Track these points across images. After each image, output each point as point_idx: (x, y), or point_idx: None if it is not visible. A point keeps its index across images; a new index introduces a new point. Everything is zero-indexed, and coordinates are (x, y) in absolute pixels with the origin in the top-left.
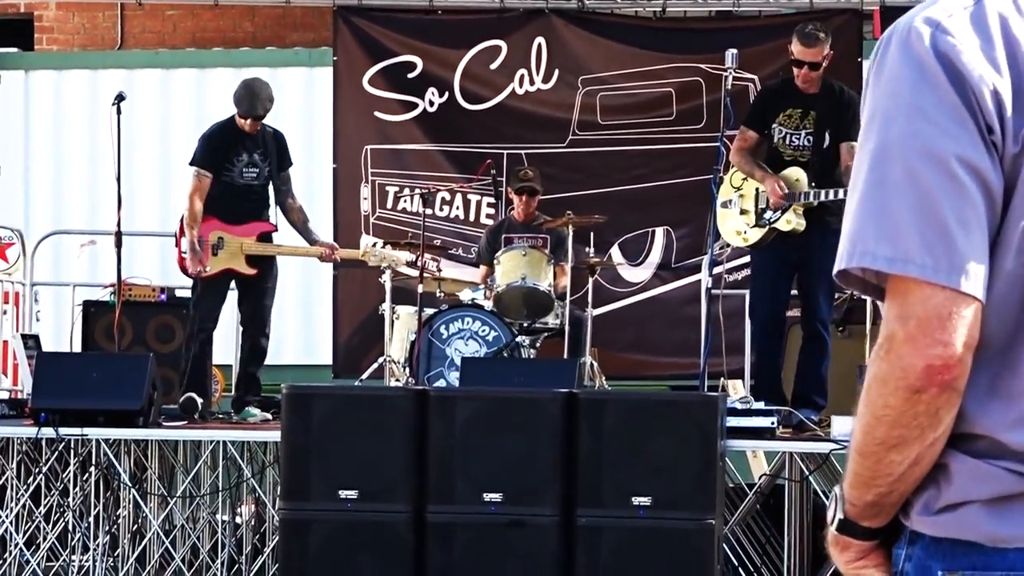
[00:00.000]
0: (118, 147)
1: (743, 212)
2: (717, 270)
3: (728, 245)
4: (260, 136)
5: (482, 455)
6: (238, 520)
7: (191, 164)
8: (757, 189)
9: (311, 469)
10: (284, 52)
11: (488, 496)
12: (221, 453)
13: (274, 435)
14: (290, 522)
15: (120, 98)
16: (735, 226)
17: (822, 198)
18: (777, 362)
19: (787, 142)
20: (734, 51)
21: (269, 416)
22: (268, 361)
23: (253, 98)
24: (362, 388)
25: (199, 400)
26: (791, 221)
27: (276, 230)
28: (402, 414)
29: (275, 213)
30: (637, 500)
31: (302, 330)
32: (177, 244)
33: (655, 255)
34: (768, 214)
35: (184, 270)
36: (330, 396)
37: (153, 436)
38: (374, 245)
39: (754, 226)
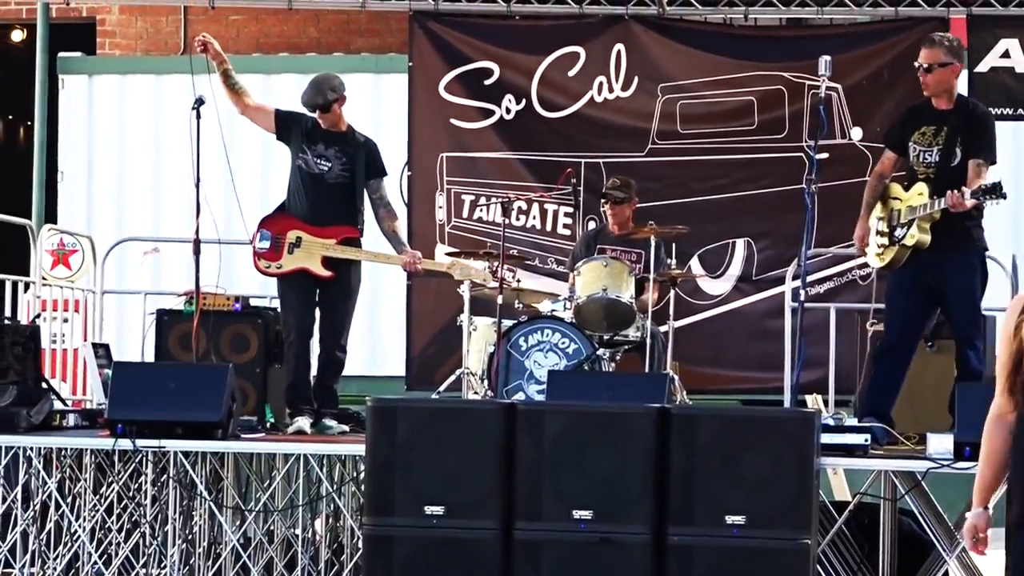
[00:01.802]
0: (197, 153)
1: (879, 233)
2: (797, 283)
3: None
4: (346, 136)
5: (571, 471)
6: (315, 535)
7: None
8: (893, 209)
9: (396, 484)
10: (351, 58)
11: (577, 513)
12: (301, 466)
13: (356, 448)
14: (374, 538)
15: (200, 102)
16: (874, 247)
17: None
18: (889, 383)
19: (920, 159)
20: (827, 58)
21: (347, 428)
22: None
23: (312, 87)
24: (448, 402)
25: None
26: (914, 235)
27: (361, 235)
28: (490, 428)
29: (364, 221)
30: (731, 519)
31: (367, 340)
32: (253, 247)
33: (735, 267)
34: (898, 232)
35: (258, 268)
36: (416, 409)
37: (233, 448)
38: (459, 256)
39: (888, 246)
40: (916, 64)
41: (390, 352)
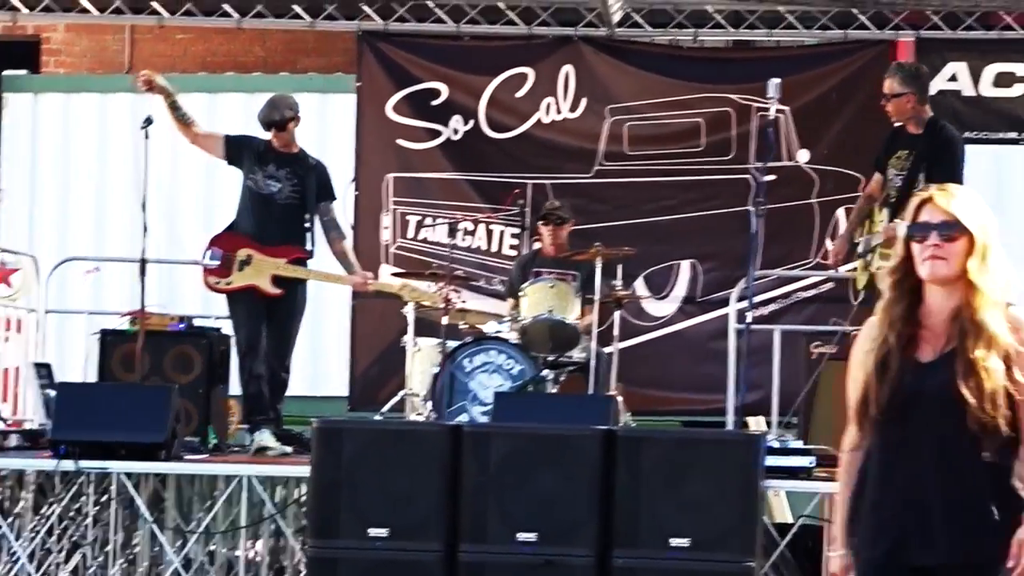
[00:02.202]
0: (145, 173)
1: (858, 256)
2: (742, 305)
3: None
4: (297, 158)
5: (516, 493)
6: (256, 556)
7: None
8: (868, 233)
9: (341, 506)
10: (298, 77)
11: (522, 536)
12: (246, 487)
13: (300, 470)
14: (318, 560)
15: (148, 122)
16: (859, 271)
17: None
18: None
19: (892, 184)
20: (777, 81)
21: (288, 449)
22: None
23: (268, 105)
24: (394, 423)
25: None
26: (877, 264)
27: (311, 257)
28: (435, 450)
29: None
30: (675, 541)
31: (309, 360)
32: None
33: (680, 288)
34: (869, 257)
35: (207, 284)
36: (361, 431)
37: (177, 470)
38: (405, 277)
39: (863, 270)
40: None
41: (332, 372)
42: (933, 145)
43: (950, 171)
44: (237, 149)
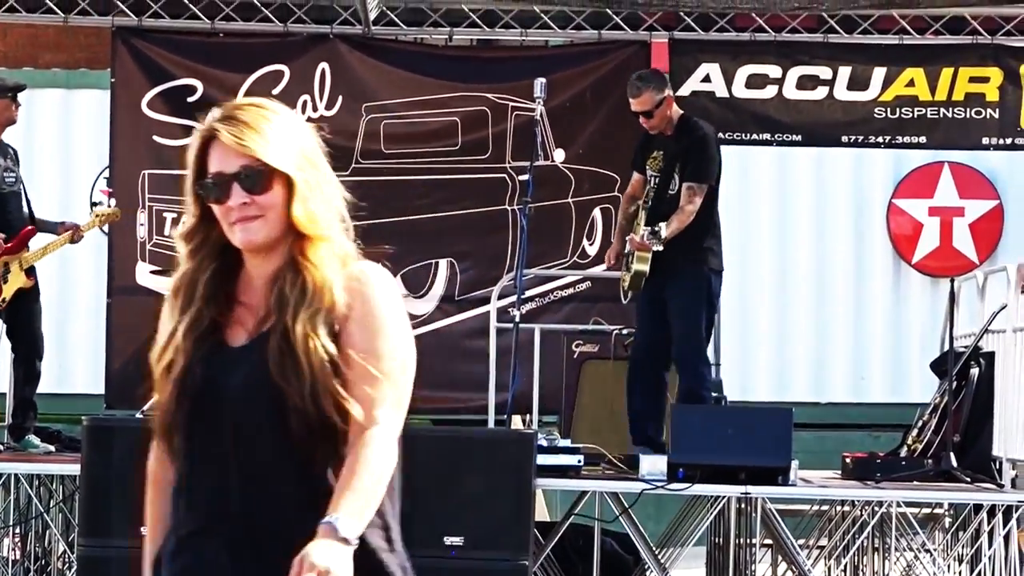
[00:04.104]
0: None
1: (624, 257)
2: (502, 303)
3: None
4: (3, 145)
5: None
6: (14, 555)
7: None
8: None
9: (112, 504)
10: (42, 73)
11: None
12: (13, 486)
13: (68, 468)
14: (89, 559)
15: None
16: (624, 271)
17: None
18: (649, 408)
19: (651, 184)
20: (543, 80)
21: (52, 448)
22: None
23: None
24: None
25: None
26: (633, 266)
27: (36, 232)
28: None
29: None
30: (449, 540)
31: (55, 357)
32: None
33: (438, 287)
34: (629, 259)
35: None
36: (133, 429)
37: None
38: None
39: (626, 272)
40: (633, 112)
41: (78, 369)
42: (686, 144)
43: (705, 168)
44: None
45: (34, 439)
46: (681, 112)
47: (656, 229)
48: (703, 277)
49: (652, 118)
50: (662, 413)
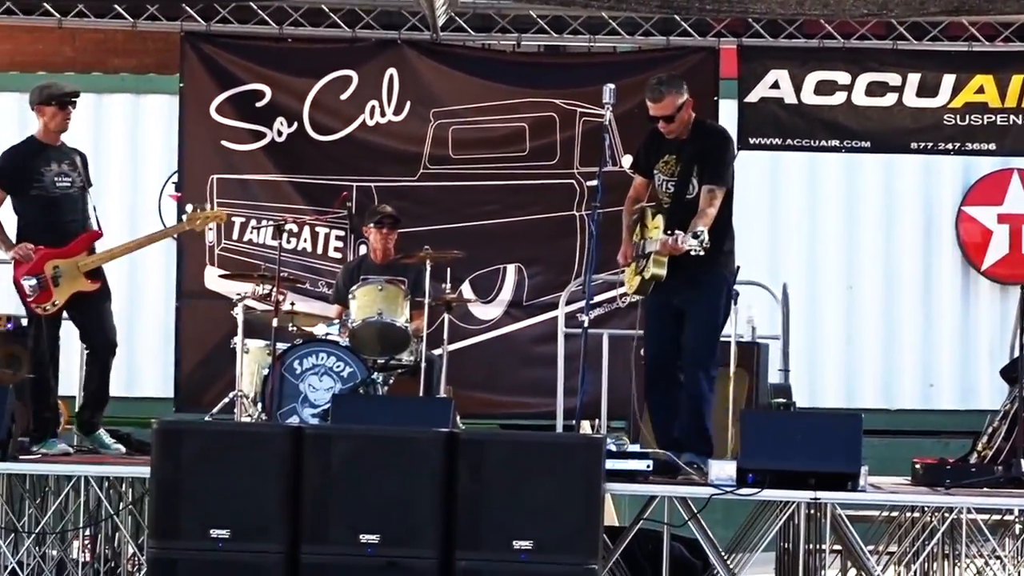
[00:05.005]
0: None
1: (632, 260)
2: (570, 308)
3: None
4: (64, 149)
5: (358, 495)
6: (83, 557)
7: None
8: (641, 239)
9: (181, 506)
10: (110, 78)
11: (365, 537)
12: (83, 488)
13: (137, 470)
14: (159, 561)
15: None
16: (628, 275)
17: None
18: (668, 411)
19: (664, 189)
20: (612, 86)
21: (123, 449)
22: None
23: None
24: (235, 425)
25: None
26: (650, 269)
27: (102, 235)
28: (277, 452)
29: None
30: (518, 544)
31: (124, 361)
32: (18, 286)
33: (506, 292)
34: (640, 263)
35: (32, 312)
36: (202, 432)
37: (15, 470)
38: (194, 210)
39: (635, 274)
40: (652, 116)
41: (147, 373)
42: (704, 146)
43: (724, 170)
44: (9, 173)
45: (104, 436)
46: (694, 115)
47: (698, 232)
48: (724, 282)
49: (673, 122)
50: (680, 411)
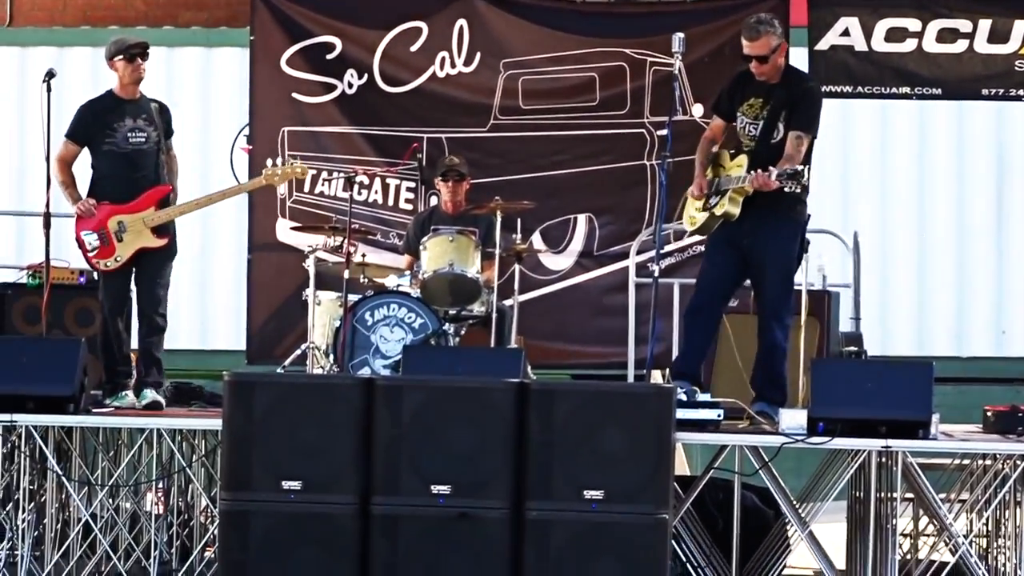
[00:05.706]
0: (48, 126)
1: (699, 198)
2: (641, 258)
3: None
4: (142, 103)
5: (430, 446)
6: (156, 510)
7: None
8: (714, 177)
9: (253, 459)
10: (181, 31)
11: (436, 488)
12: (156, 441)
13: (209, 423)
14: (231, 513)
15: (50, 75)
16: (690, 212)
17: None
18: (698, 345)
19: (746, 131)
20: (681, 35)
21: (160, 399)
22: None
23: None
24: (306, 376)
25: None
26: (724, 205)
27: (172, 190)
28: (348, 404)
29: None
30: (589, 493)
31: (197, 314)
32: (79, 241)
33: (577, 243)
34: (712, 199)
35: (93, 267)
36: (274, 384)
37: (87, 423)
38: (273, 166)
39: (702, 211)
40: (746, 55)
41: (220, 326)
42: (794, 95)
43: (810, 120)
44: (84, 128)
45: (148, 392)
46: (789, 65)
47: (797, 170)
48: (799, 228)
49: (766, 63)
50: (709, 352)
